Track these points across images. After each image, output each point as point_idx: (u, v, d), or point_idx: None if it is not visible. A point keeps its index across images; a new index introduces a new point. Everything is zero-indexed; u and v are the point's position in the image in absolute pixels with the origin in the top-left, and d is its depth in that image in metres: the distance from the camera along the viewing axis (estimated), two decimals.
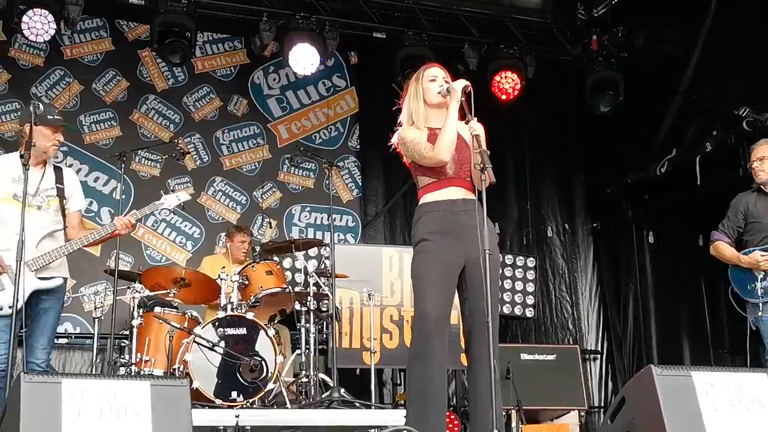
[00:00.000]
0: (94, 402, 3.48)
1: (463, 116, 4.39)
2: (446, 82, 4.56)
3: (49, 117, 5.12)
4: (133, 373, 5.96)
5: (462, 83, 4.41)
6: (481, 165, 4.14)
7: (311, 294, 6.50)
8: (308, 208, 9.05)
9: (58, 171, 5.33)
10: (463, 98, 4.36)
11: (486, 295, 4.01)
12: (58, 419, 3.38)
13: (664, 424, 3.30)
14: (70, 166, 8.27)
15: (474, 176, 4.47)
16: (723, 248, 5.87)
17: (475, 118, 4.32)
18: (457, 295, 4.46)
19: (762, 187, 5.86)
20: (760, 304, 5.53)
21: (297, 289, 6.84)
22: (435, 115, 4.53)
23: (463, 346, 4.48)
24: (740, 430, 3.40)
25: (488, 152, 4.19)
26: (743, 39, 7.69)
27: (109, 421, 3.48)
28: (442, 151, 4.33)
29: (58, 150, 5.31)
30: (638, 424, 3.44)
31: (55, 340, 7.60)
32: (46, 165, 5.25)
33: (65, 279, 5.27)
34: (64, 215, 5.21)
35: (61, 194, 5.23)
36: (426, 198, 4.48)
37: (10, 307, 4.89)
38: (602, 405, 8.91)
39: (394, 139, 4.60)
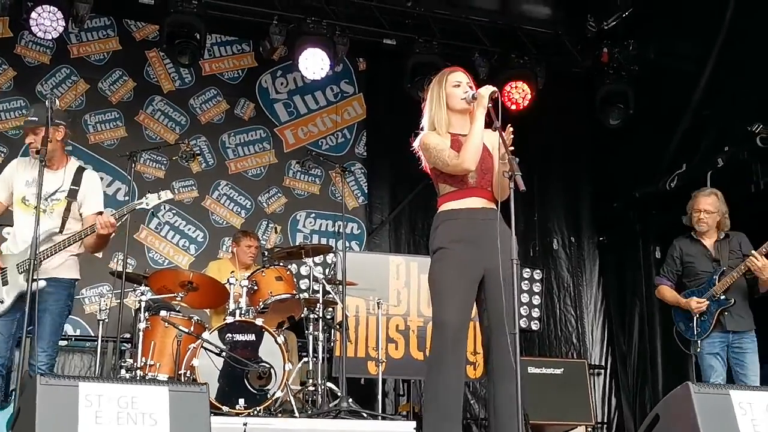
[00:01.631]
0: (111, 407, 3.39)
1: (488, 123, 4.31)
2: (470, 87, 4.48)
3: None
4: (138, 378, 5.83)
5: (489, 89, 4.32)
6: (510, 172, 4.05)
7: (321, 301, 6.39)
8: (313, 215, 8.95)
9: (79, 172, 5.25)
10: (490, 104, 4.28)
11: (513, 304, 3.93)
12: (75, 424, 3.28)
13: None
14: None
15: (494, 186, 4.39)
16: (665, 291, 6.29)
17: (510, 127, 4.24)
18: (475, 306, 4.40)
19: (693, 234, 6.27)
20: (699, 342, 5.99)
21: (303, 295, 6.73)
22: (458, 121, 4.45)
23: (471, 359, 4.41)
24: None
25: (517, 159, 4.11)
26: (758, 53, 7.64)
27: (127, 427, 3.38)
28: (467, 160, 4.24)
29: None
30: None
31: None
32: (65, 167, 5.18)
33: (66, 281, 5.14)
34: (66, 218, 5.10)
35: (72, 195, 5.13)
36: (446, 206, 4.39)
37: None
38: (605, 421, 8.83)
39: (416, 144, 4.50)
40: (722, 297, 5.96)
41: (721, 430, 3.27)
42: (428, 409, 4.24)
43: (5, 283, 4.98)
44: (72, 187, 5.16)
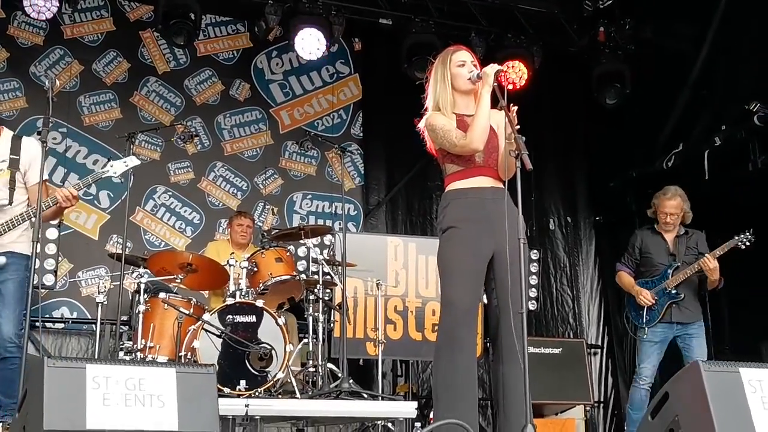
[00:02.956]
0: (119, 389, 3.36)
1: (494, 103, 4.29)
2: (474, 66, 4.46)
3: None
4: (138, 360, 5.81)
5: (494, 68, 4.31)
6: (517, 151, 4.04)
7: (320, 282, 6.38)
8: (309, 196, 8.93)
9: (16, 141, 5.08)
10: (496, 83, 4.26)
11: (521, 283, 3.94)
12: (83, 407, 3.25)
13: (712, 422, 3.20)
14: (69, 147, 8.14)
15: (500, 165, 4.38)
16: (623, 278, 6.64)
17: (513, 106, 4.22)
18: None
19: (655, 226, 6.58)
20: (645, 329, 6.36)
21: (303, 276, 6.71)
22: (463, 101, 4.45)
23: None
24: None
25: (523, 138, 4.10)
26: (755, 33, 7.62)
27: (135, 409, 3.36)
28: (475, 140, 4.24)
29: None
30: (683, 421, 3.35)
31: (52, 325, 7.58)
32: (0, 135, 5.02)
33: (21, 255, 4.96)
34: (12, 188, 4.98)
35: (14, 165, 5.00)
36: (454, 185, 4.39)
37: None
38: (602, 400, 8.86)
39: (421, 124, 4.49)
40: (673, 291, 6.33)
41: (731, 407, 3.25)
42: (440, 391, 4.24)
43: None
44: (12, 156, 4.98)
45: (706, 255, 6.21)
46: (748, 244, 6.21)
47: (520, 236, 4.05)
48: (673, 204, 6.46)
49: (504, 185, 4.25)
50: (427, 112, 4.49)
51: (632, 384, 6.46)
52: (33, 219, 4.92)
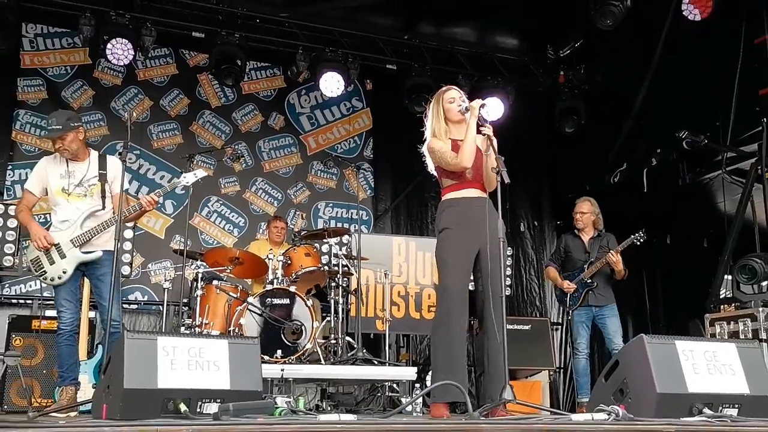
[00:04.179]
0: (183, 356, 3.37)
1: (478, 126, 4.30)
2: (462, 101, 4.46)
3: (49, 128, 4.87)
4: (197, 333, 5.78)
5: (478, 102, 4.36)
6: (497, 169, 4.04)
7: (340, 272, 6.36)
8: (331, 204, 8.89)
9: (102, 159, 5.08)
10: (480, 113, 4.28)
11: (501, 273, 3.94)
12: (155, 370, 3.26)
13: (654, 382, 3.20)
14: (141, 166, 8.14)
15: (485, 179, 4.38)
16: (551, 272, 6.71)
17: (490, 128, 4.24)
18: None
19: (575, 231, 6.64)
20: (570, 312, 6.47)
21: (326, 268, 6.69)
22: (455, 129, 4.46)
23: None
24: (715, 388, 3.29)
25: (503, 158, 4.10)
26: (683, 77, 7.61)
27: (196, 372, 3.37)
28: (464, 159, 4.26)
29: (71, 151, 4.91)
30: (630, 383, 3.33)
31: (127, 306, 7.57)
32: (89, 157, 5.01)
33: (111, 252, 4.88)
34: (104, 197, 4.98)
35: (103, 179, 4.99)
36: (449, 195, 4.40)
37: (60, 278, 4.78)
38: (562, 366, 8.78)
39: (423, 148, 4.50)
40: (588, 281, 6.41)
41: (668, 371, 3.25)
42: (438, 358, 4.22)
43: (63, 257, 4.82)
44: (100, 171, 4.99)
45: (610, 251, 6.26)
46: (641, 240, 6.27)
47: (500, 236, 4.05)
48: (583, 206, 6.58)
49: (487, 195, 4.30)
50: (427, 139, 4.50)
51: (573, 356, 6.50)
52: (121, 221, 4.94)
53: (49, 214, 5.07)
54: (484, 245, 4.18)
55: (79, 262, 4.84)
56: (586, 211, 6.55)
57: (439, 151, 4.31)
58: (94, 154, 5.07)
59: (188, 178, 5.15)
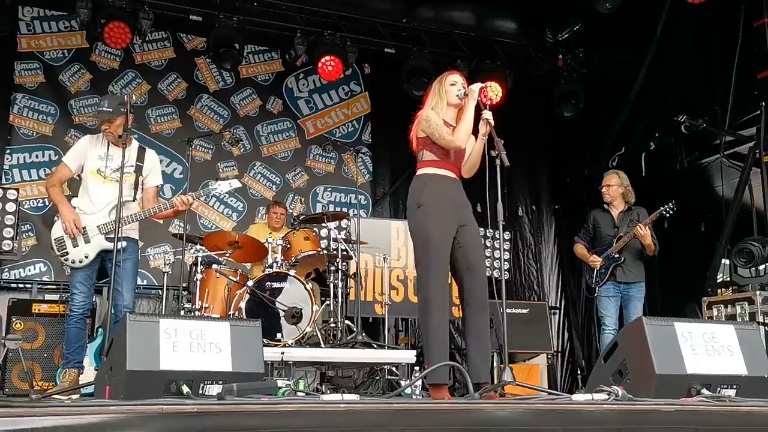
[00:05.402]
0: (185, 338, 3.38)
1: (477, 111, 4.30)
2: (463, 87, 4.46)
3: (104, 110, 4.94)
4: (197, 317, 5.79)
5: (479, 85, 4.36)
6: (497, 152, 4.04)
7: (339, 257, 6.37)
8: (329, 189, 8.90)
9: (141, 151, 5.16)
10: (480, 97, 4.28)
11: (481, 253, 3.94)
12: (157, 352, 3.27)
13: (653, 363, 3.22)
14: None
15: (466, 165, 4.38)
16: (579, 248, 6.48)
17: (490, 112, 4.25)
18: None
19: (606, 205, 6.37)
20: (597, 288, 6.22)
21: (325, 252, 6.69)
22: (451, 112, 4.47)
23: (456, 301, 4.38)
24: (713, 369, 3.32)
25: (502, 140, 4.10)
26: (682, 60, 7.62)
27: (198, 354, 3.38)
28: (460, 138, 4.27)
29: (115, 136, 4.99)
30: (629, 364, 3.36)
31: None
32: (130, 146, 5.06)
33: (135, 240, 5.08)
34: (136, 188, 5.04)
35: (138, 171, 5.06)
36: (428, 170, 4.35)
37: (81, 261, 4.80)
38: (560, 350, 8.87)
39: (420, 114, 4.43)
40: (616, 255, 6.15)
41: (667, 352, 3.27)
42: (431, 339, 4.16)
43: (87, 242, 4.87)
44: (137, 163, 5.06)
45: (638, 223, 6.01)
46: (671, 212, 6.00)
47: (500, 219, 4.07)
48: (609, 179, 6.35)
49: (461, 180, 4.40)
50: (424, 108, 4.48)
51: (600, 333, 6.22)
52: (149, 216, 4.98)
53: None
54: (462, 223, 4.23)
55: (102, 249, 4.87)
56: (613, 184, 6.29)
57: (436, 123, 4.28)
58: (135, 144, 5.12)
59: (222, 187, 5.25)
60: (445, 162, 4.33)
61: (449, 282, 4.29)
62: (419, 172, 4.37)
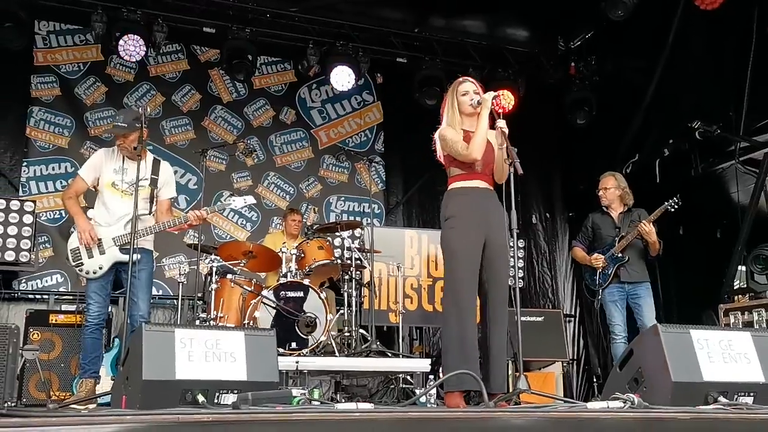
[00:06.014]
0: (200, 348, 3.39)
1: (492, 120, 4.30)
2: (476, 94, 4.46)
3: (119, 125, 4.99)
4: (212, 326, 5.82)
5: (491, 95, 4.35)
6: (511, 160, 4.05)
7: (353, 265, 6.38)
8: (343, 198, 8.91)
9: (156, 163, 5.21)
10: (493, 106, 4.28)
11: (506, 265, 3.93)
12: (172, 361, 3.28)
13: (669, 371, 3.19)
14: None
15: (495, 171, 4.38)
16: (577, 252, 6.40)
17: (504, 122, 4.24)
18: None
19: (604, 208, 6.31)
20: (600, 291, 6.08)
21: (339, 261, 6.70)
22: (468, 120, 4.45)
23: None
24: (730, 377, 3.29)
25: (515, 149, 4.10)
26: (695, 66, 7.58)
27: (213, 364, 3.39)
28: (474, 150, 4.26)
29: (130, 149, 5.05)
30: (645, 372, 3.33)
31: None
32: (145, 159, 5.10)
33: (149, 251, 5.13)
34: (152, 201, 5.08)
35: (153, 184, 5.11)
36: (456, 184, 4.39)
37: (95, 272, 4.85)
38: (575, 358, 8.81)
39: (436, 134, 4.48)
40: (619, 255, 6.04)
41: (683, 360, 3.25)
42: (451, 347, 4.17)
43: (102, 253, 4.94)
44: (152, 176, 5.11)
45: (642, 221, 5.92)
46: (676, 206, 5.91)
47: (514, 227, 4.07)
48: (605, 182, 6.32)
49: (494, 189, 4.36)
50: (441, 126, 4.51)
51: (610, 342, 6.11)
52: (164, 229, 5.02)
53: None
54: (490, 236, 4.21)
55: (117, 261, 4.91)
56: (610, 187, 6.26)
57: (451, 140, 4.32)
58: (150, 157, 5.16)
59: (237, 203, 5.29)
60: (472, 173, 4.35)
61: (475, 294, 4.28)
62: (448, 188, 4.43)
